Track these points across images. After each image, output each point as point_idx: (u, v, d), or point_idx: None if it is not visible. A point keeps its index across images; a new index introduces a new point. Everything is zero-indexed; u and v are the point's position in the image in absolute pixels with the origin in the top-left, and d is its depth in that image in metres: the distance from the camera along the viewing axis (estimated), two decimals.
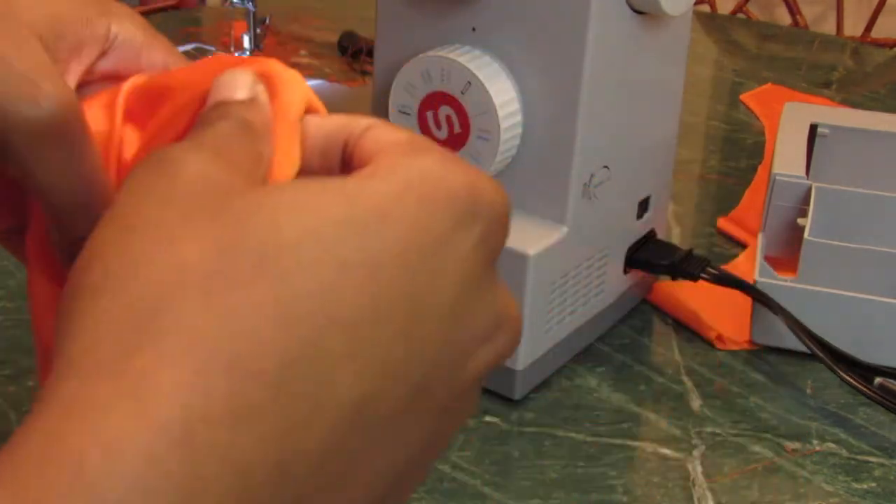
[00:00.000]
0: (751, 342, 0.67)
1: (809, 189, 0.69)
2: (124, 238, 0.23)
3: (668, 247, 0.68)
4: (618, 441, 0.58)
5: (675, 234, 0.80)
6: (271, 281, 0.22)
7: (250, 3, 0.87)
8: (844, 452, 0.58)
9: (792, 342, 0.64)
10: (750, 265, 0.71)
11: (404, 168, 0.25)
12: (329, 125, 0.29)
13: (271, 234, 0.23)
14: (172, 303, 0.22)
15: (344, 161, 0.28)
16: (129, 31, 0.34)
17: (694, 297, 0.69)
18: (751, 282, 0.65)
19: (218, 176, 0.24)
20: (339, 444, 0.23)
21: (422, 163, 0.25)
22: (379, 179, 0.25)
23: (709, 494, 0.55)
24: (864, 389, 0.60)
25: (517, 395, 0.61)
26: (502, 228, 0.26)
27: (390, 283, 0.23)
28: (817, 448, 0.58)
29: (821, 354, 0.62)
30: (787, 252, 0.70)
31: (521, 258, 0.58)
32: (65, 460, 0.20)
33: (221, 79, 0.28)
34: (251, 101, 0.27)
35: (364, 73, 1.04)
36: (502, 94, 0.58)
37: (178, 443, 0.21)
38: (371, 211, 0.24)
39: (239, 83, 0.28)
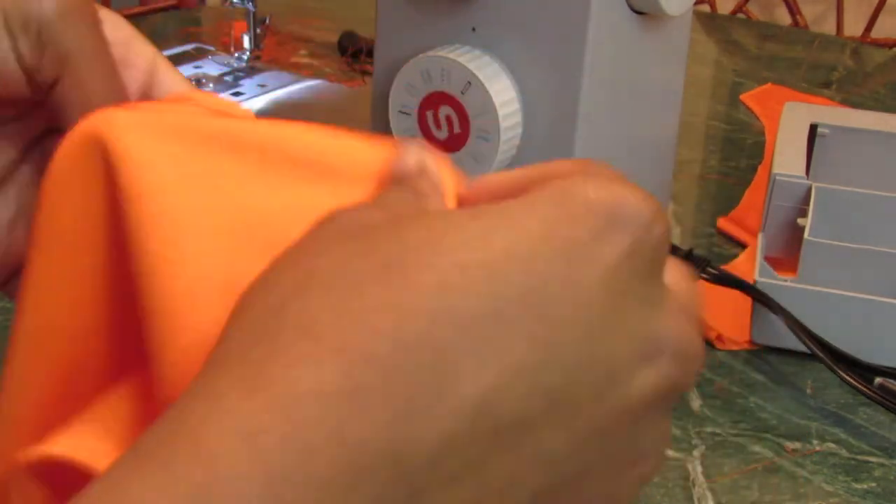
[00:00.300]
0: (751, 342, 0.67)
1: (809, 189, 0.69)
2: (271, 269, 0.26)
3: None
4: None
5: (675, 234, 0.80)
6: (390, 280, 0.23)
7: (250, 3, 0.87)
8: (844, 452, 0.58)
9: (792, 342, 0.64)
10: (750, 265, 0.71)
11: (540, 186, 0.25)
12: (510, 177, 0.29)
13: (396, 244, 0.24)
14: (293, 302, 0.24)
15: None
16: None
17: None
18: (751, 282, 0.65)
19: (370, 218, 0.26)
20: (460, 438, 0.23)
21: (559, 181, 0.26)
22: (512, 200, 0.25)
23: (709, 494, 0.55)
24: (864, 389, 0.60)
25: None
26: (657, 244, 0.25)
27: (513, 284, 0.23)
28: (817, 448, 0.58)
29: (821, 354, 0.62)
30: (787, 252, 0.70)
31: None
32: (185, 436, 0.22)
33: (393, 156, 0.30)
34: (420, 170, 0.29)
35: (364, 73, 1.04)
36: (502, 94, 0.58)
37: (284, 415, 0.22)
38: (497, 219, 0.24)
39: (408, 154, 0.30)
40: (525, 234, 0.24)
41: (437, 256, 0.23)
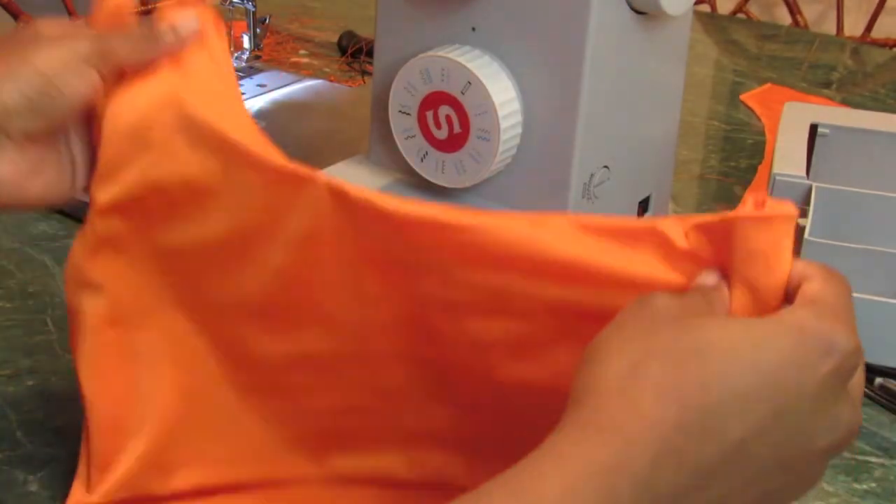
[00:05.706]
0: None
1: (809, 189, 0.69)
2: (617, 337, 0.39)
3: None
4: None
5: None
6: (701, 361, 0.37)
7: (250, 3, 0.87)
8: (844, 452, 0.58)
9: None
10: None
11: (789, 317, 0.38)
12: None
13: (703, 333, 0.38)
14: (640, 369, 0.37)
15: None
16: None
17: None
18: None
19: (670, 310, 0.39)
20: (725, 463, 0.37)
21: (801, 313, 0.39)
22: (771, 322, 0.38)
23: None
24: (864, 389, 0.60)
25: None
26: (852, 367, 0.39)
27: (766, 377, 0.37)
28: None
29: None
30: None
31: None
32: (526, 470, 0.36)
33: (699, 274, 0.41)
34: (716, 287, 0.41)
35: (364, 73, 1.04)
36: (502, 94, 0.58)
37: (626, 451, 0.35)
38: (761, 337, 0.38)
39: (709, 275, 0.41)
40: (776, 349, 0.37)
41: (729, 353, 0.37)
